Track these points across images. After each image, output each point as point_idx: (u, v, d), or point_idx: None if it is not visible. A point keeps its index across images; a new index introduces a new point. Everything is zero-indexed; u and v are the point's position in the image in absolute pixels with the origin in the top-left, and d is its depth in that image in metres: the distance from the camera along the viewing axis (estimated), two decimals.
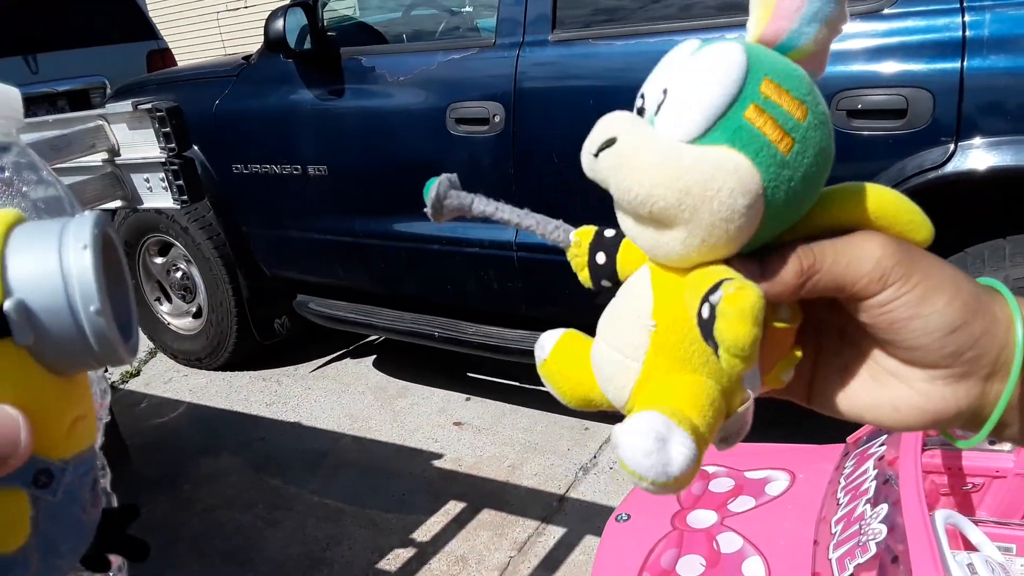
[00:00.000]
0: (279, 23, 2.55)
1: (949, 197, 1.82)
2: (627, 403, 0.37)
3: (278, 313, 3.32)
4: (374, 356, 3.53)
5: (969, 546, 1.48)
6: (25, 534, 0.32)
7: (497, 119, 2.31)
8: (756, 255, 0.36)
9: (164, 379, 3.56)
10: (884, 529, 1.31)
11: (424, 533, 2.36)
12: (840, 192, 0.37)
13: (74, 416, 0.33)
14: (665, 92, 0.35)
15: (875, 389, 0.38)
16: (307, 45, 2.63)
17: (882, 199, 0.37)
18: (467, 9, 3.10)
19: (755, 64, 0.34)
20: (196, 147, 2.98)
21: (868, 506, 1.41)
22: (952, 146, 1.72)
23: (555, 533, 2.30)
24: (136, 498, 2.66)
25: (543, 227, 0.45)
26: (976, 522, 1.74)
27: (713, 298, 0.32)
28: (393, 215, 2.65)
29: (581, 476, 2.55)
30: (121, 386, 3.55)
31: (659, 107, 0.35)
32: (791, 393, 0.40)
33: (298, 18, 2.58)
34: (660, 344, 0.36)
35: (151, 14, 6.54)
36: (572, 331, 0.44)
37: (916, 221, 0.37)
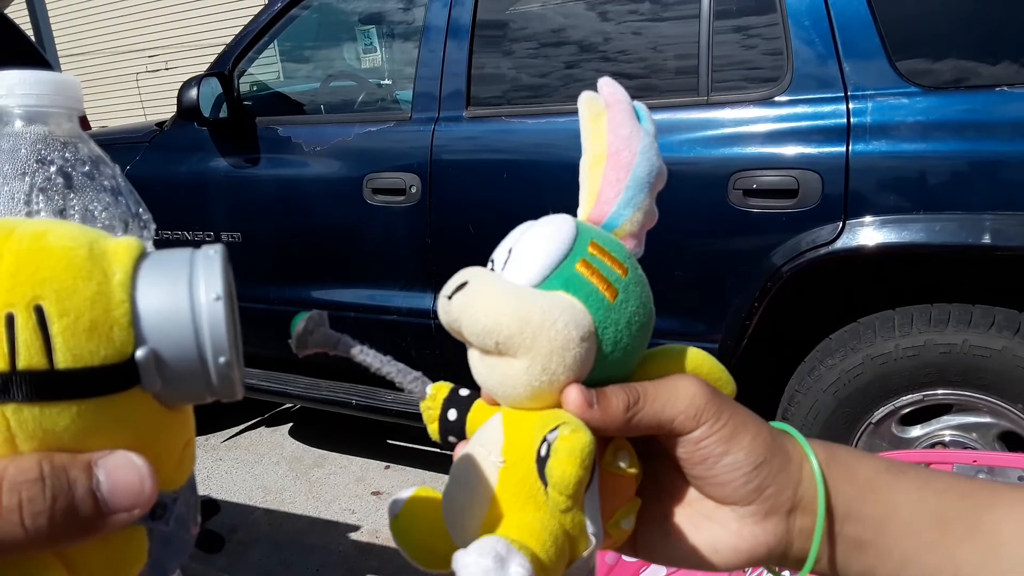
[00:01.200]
0: (192, 92, 2.54)
1: (840, 271, 1.93)
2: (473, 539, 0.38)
3: None
4: (290, 424, 3.45)
5: None
6: (140, 566, 0.31)
7: (414, 190, 2.34)
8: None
9: None
10: None
11: None
12: (664, 351, 0.44)
13: (183, 443, 0.32)
14: (510, 251, 0.40)
15: (694, 533, 0.41)
16: (222, 113, 2.63)
17: (697, 357, 0.43)
18: (386, 81, 3.15)
19: (583, 232, 0.40)
20: None
21: None
22: (841, 224, 1.83)
23: None
24: None
25: (402, 376, 0.48)
26: None
27: (550, 437, 0.35)
28: (309, 282, 2.64)
29: None
30: None
31: (505, 263, 0.40)
32: (616, 545, 0.42)
33: (212, 87, 2.58)
34: (507, 480, 0.38)
35: (65, 72, 6.41)
36: (424, 488, 0.46)
37: (723, 378, 0.44)
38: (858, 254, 1.82)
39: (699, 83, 1.99)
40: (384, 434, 3.21)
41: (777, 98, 1.91)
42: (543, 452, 0.35)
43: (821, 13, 1.87)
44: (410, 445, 3.15)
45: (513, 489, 0.37)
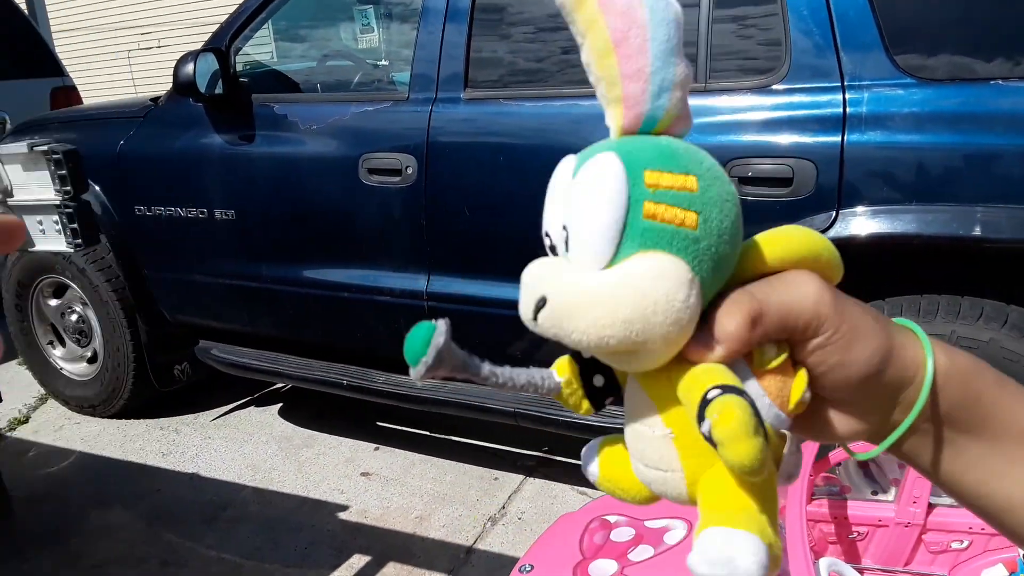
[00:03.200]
0: (189, 67, 2.53)
1: None
2: (690, 501, 0.38)
3: (179, 359, 3.22)
4: (280, 404, 3.45)
5: None
6: None
7: (410, 171, 2.34)
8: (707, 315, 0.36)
9: (55, 427, 3.39)
10: None
11: None
12: (776, 233, 0.39)
13: None
14: (565, 228, 0.36)
15: (805, 418, 0.40)
16: (218, 90, 2.61)
17: (813, 241, 0.39)
18: (383, 62, 3.14)
19: (631, 164, 0.34)
20: (97, 187, 2.90)
21: None
22: (834, 213, 1.84)
23: None
24: (18, 554, 2.51)
25: (533, 381, 0.42)
26: (861, 570, 1.83)
27: (704, 428, 0.33)
28: (302, 261, 2.64)
29: (489, 527, 2.54)
30: (8, 433, 3.35)
31: (566, 243, 0.36)
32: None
33: (209, 63, 2.56)
34: (685, 446, 0.37)
35: (58, 50, 6.35)
36: (606, 444, 0.44)
37: (834, 262, 0.40)
38: (850, 244, 1.84)
39: (697, 70, 1.99)
40: (374, 415, 3.22)
41: (774, 87, 1.92)
42: (705, 432, 0.33)
43: (820, 4, 1.88)
44: (400, 427, 3.16)
45: (696, 451, 0.37)
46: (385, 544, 2.48)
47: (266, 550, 2.49)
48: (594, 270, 0.34)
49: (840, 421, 0.40)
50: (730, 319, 0.35)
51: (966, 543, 1.72)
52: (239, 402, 3.49)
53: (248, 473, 2.93)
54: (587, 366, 0.42)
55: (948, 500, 1.83)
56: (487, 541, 2.48)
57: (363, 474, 2.87)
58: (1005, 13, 1.85)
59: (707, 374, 0.34)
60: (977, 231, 1.75)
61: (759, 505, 0.34)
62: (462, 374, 0.38)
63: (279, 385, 3.56)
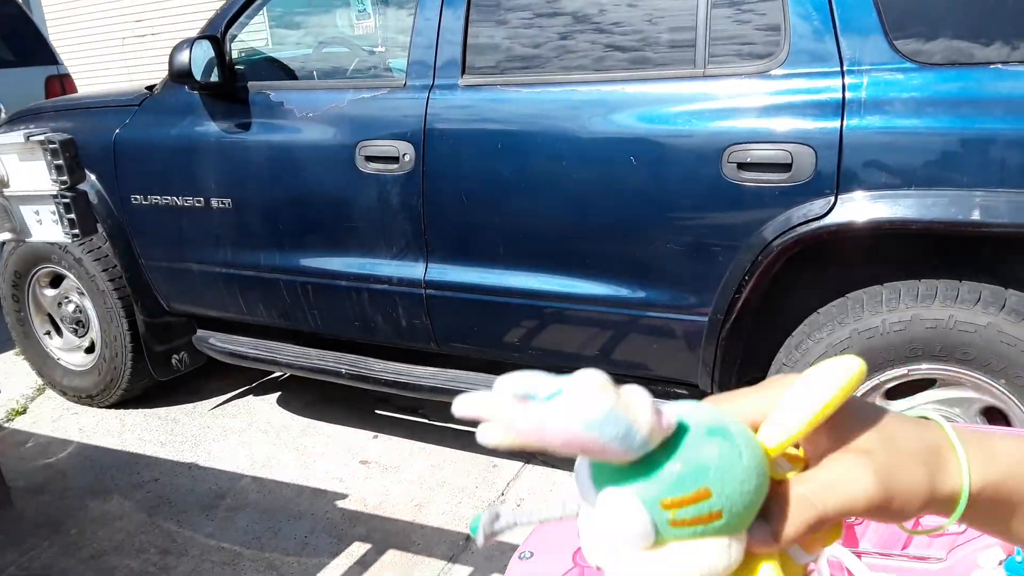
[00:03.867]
0: (184, 55, 2.51)
1: (831, 245, 1.94)
2: None
3: (176, 349, 3.21)
4: (278, 393, 3.45)
5: None
6: None
7: (407, 158, 2.34)
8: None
9: (52, 417, 3.38)
10: None
11: None
12: (813, 392, 0.40)
13: None
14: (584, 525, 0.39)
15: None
16: (214, 77, 2.60)
17: (843, 384, 0.40)
18: (379, 49, 3.12)
19: (647, 501, 0.37)
20: (93, 176, 2.89)
21: None
22: (833, 199, 1.84)
23: (461, 573, 2.30)
24: (18, 543, 2.51)
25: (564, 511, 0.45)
26: (858, 554, 1.84)
27: None
28: (300, 250, 2.63)
29: None
30: (6, 424, 3.35)
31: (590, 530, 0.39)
32: None
33: (204, 50, 2.55)
34: None
35: (51, 38, 6.31)
36: None
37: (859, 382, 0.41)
38: (849, 229, 1.84)
39: (695, 56, 1.98)
40: (372, 404, 3.22)
41: (773, 72, 1.91)
42: None
43: None
44: (398, 415, 3.17)
45: None
46: (384, 531, 2.49)
47: (266, 538, 2.49)
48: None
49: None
50: (792, 528, 0.38)
51: (963, 527, 1.72)
52: (237, 391, 3.49)
53: (247, 462, 2.93)
54: None
55: None
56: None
57: (362, 462, 2.88)
58: None
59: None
60: (976, 216, 1.75)
61: None
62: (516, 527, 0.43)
63: (277, 374, 3.56)
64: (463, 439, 2.95)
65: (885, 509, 0.40)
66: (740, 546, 0.38)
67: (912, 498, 0.40)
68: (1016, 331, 1.79)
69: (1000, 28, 1.80)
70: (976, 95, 1.78)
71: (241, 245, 2.73)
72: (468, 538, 2.44)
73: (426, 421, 3.11)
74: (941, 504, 0.41)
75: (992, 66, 1.76)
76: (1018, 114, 1.74)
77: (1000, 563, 1.70)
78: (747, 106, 1.94)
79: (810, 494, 0.39)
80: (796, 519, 0.39)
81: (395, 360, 2.66)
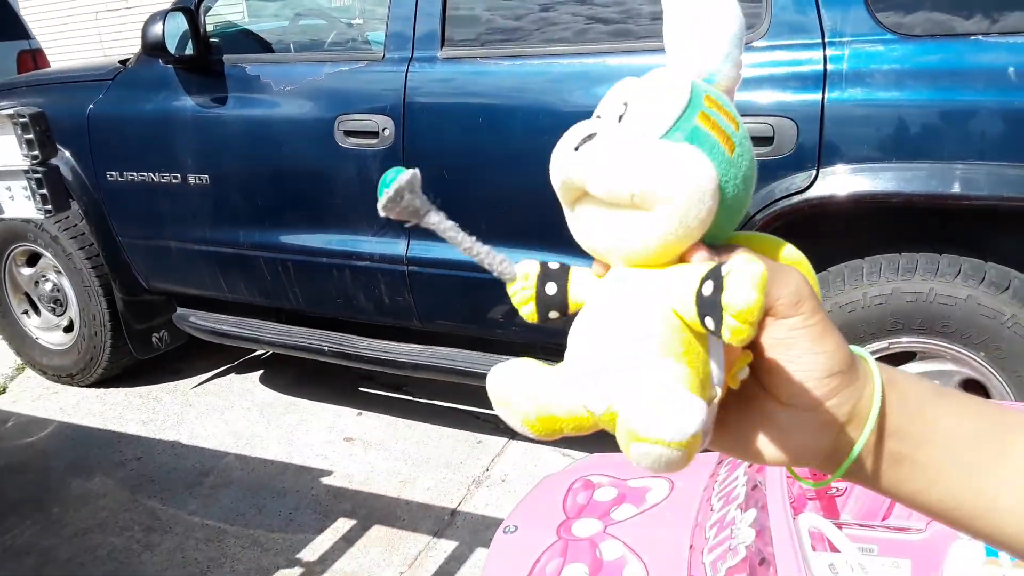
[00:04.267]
0: (158, 27, 2.46)
1: (814, 219, 1.94)
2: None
3: (156, 327, 3.19)
4: (261, 371, 3.43)
5: (834, 548, 1.58)
6: None
7: (387, 133, 2.31)
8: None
9: (32, 396, 3.35)
10: (752, 533, 1.39)
11: (311, 552, 2.32)
12: (761, 237, 0.44)
13: None
14: (626, 105, 0.39)
15: (745, 427, 0.41)
16: (188, 50, 2.55)
17: (796, 255, 0.44)
18: (357, 21, 3.07)
19: (696, 84, 0.39)
20: (68, 153, 2.84)
21: (739, 511, 1.49)
22: (815, 172, 1.84)
23: (446, 547, 2.31)
24: (0, 522, 2.50)
25: (490, 258, 0.45)
26: (840, 525, 1.86)
27: (723, 269, 0.35)
28: (279, 226, 2.60)
29: (473, 489, 2.56)
30: None
31: (621, 116, 0.39)
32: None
33: (178, 23, 2.50)
34: (684, 339, 0.38)
35: (23, 12, 6.16)
36: (519, 373, 0.43)
37: (815, 286, 0.42)
38: (830, 202, 1.84)
39: None
40: (356, 381, 3.21)
41: (755, 44, 1.89)
42: (707, 291, 0.35)
43: None
44: (382, 392, 3.16)
45: (665, 349, 0.37)
46: (369, 507, 2.49)
47: (250, 515, 2.49)
48: (647, 136, 0.38)
49: (793, 438, 0.40)
50: (783, 289, 0.38)
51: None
52: (220, 369, 3.47)
53: (230, 440, 2.92)
54: (548, 278, 0.44)
55: None
56: (471, 503, 2.49)
57: (346, 439, 2.88)
58: None
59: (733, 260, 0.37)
60: (956, 188, 1.75)
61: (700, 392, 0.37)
62: (417, 221, 0.43)
63: (260, 352, 3.54)
64: (448, 416, 2.96)
65: (811, 326, 0.38)
66: (711, 213, 0.38)
67: (836, 337, 0.39)
68: (995, 304, 1.80)
69: (980, 0, 1.79)
70: (956, 67, 1.78)
71: (219, 222, 2.70)
72: (453, 513, 2.45)
73: (410, 398, 3.11)
74: (850, 393, 0.39)
75: (972, 38, 1.76)
76: (998, 86, 1.73)
77: None
78: None
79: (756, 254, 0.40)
80: (788, 282, 0.38)
81: (378, 337, 2.65)
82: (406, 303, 2.47)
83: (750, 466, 1.62)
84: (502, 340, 2.47)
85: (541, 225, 2.20)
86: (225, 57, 2.59)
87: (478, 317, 2.43)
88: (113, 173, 2.82)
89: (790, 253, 0.44)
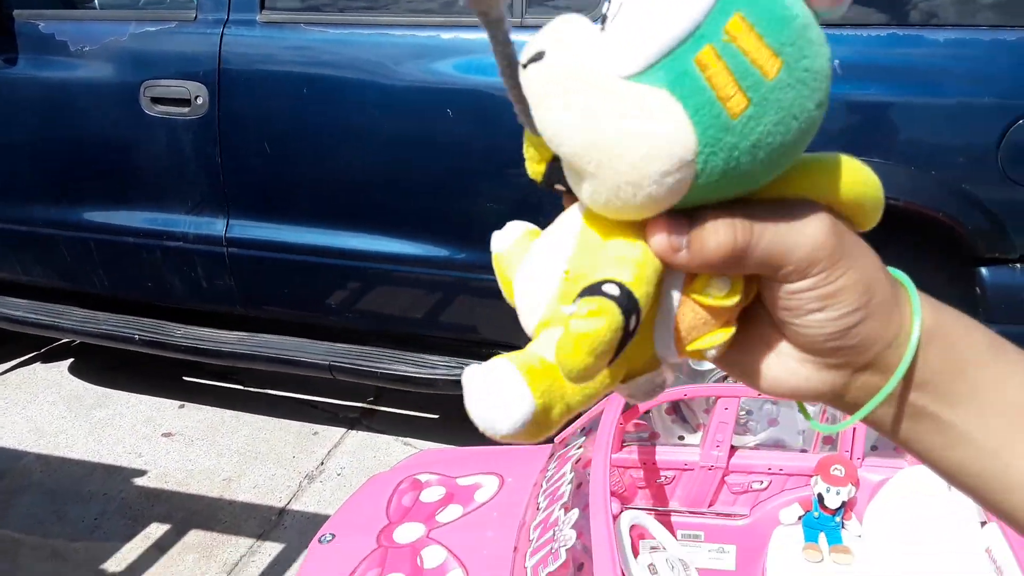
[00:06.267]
0: None
1: None
2: (530, 334, 0.35)
3: None
4: (70, 360, 3.11)
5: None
6: None
7: (200, 101, 2.09)
8: (692, 213, 0.31)
9: None
10: (574, 535, 1.33)
11: (118, 563, 2.10)
12: (807, 160, 0.33)
13: None
14: (621, 4, 0.29)
15: (748, 352, 0.36)
16: None
17: (850, 173, 0.33)
18: None
19: None
20: None
21: (562, 511, 1.43)
22: None
23: (271, 550, 2.16)
24: None
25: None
26: (668, 512, 1.86)
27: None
28: (80, 202, 2.32)
29: (306, 485, 2.41)
30: None
31: (614, 19, 0.29)
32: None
33: None
34: (565, 292, 0.33)
35: None
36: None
37: (874, 207, 0.34)
38: None
39: (513, 4, 1.86)
40: (179, 370, 2.96)
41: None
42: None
43: None
44: (208, 382, 2.93)
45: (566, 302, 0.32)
46: (187, 510, 2.30)
47: (49, 523, 2.24)
48: (610, 71, 0.29)
49: (798, 373, 0.35)
50: (713, 238, 0.31)
51: (765, 483, 1.78)
52: (23, 358, 3.12)
53: (31, 438, 2.62)
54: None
55: (748, 442, 1.88)
56: (302, 500, 2.35)
57: (165, 434, 2.64)
58: None
59: (632, 260, 0.31)
60: None
61: (566, 382, 0.31)
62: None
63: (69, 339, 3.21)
64: (280, 406, 2.78)
65: (820, 287, 0.32)
66: (680, 187, 0.29)
67: (851, 304, 0.32)
68: None
69: None
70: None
71: (10, 197, 2.39)
72: (281, 512, 2.29)
73: (240, 387, 2.90)
74: (874, 340, 0.33)
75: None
76: None
77: (799, 518, 1.77)
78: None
79: (755, 216, 0.32)
80: (721, 229, 0.31)
81: (198, 324, 2.43)
82: (226, 287, 2.28)
83: (577, 462, 1.57)
84: (333, 327, 2.32)
85: (372, 206, 2.06)
86: (15, 12, 2.27)
87: (307, 302, 2.27)
88: None
89: (843, 174, 0.33)
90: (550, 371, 0.31)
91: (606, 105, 0.28)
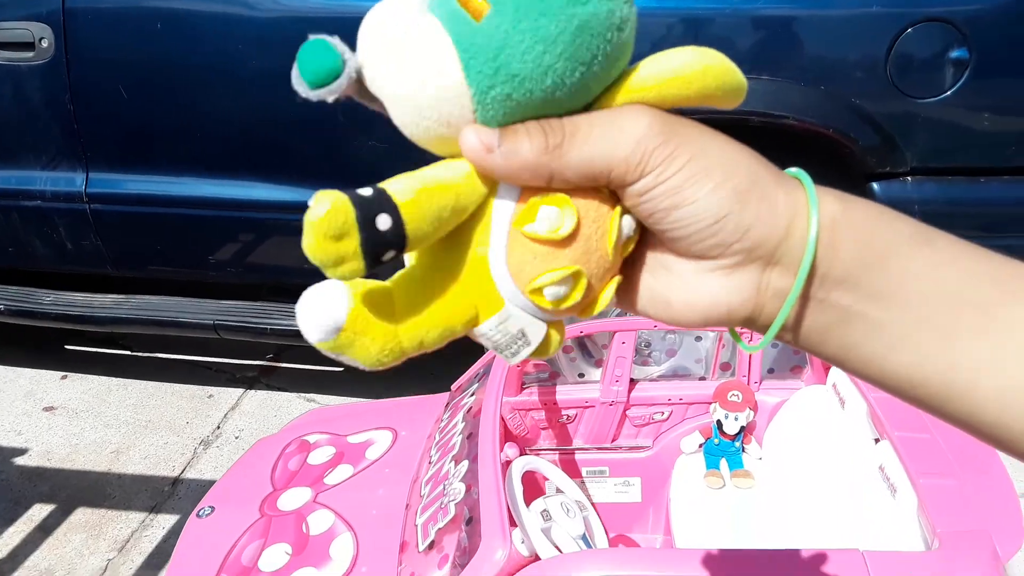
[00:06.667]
0: None
1: None
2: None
3: None
4: None
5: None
6: None
7: (45, 44, 1.88)
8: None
9: None
10: (463, 488, 1.27)
11: None
12: (647, 62, 0.33)
13: None
14: None
15: (651, 281, 0.35)
16: None
17: (690, 65, 0.33)
18: None
19: None
20: None
21: (453, 463, 1.36)
22: None
23: (166, 523, 2.04)
24: None
25: None
26: (573, 451, 1.82)
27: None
28: None
29: (201, 452, 2.29)
30: None
31: None
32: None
33: None
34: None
35: None
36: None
37: (733, 89, 0.34)
38: None
39: None
40: (61, 338, 2.77)
41: None
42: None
43: None
44: (93, 349, 2.75)
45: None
46: (73, 487, 2.15)
47: None
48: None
49: (704, 289, 0.33)
50: (527, 139, 0.30)
51: (666, 414, 1.75)
52: None
53: None
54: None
55: (652, 373, 1.84)
56: (198, 468, 2.23)
57: (46, 408, 2.47)
58: None
59: (421, 175, 0.31)
60: None
61: (416, 315, 0.32)
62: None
63: None
64: (172, 371, 2.63)
65: (665, 182, 0.31)
66: (464, 100, 0.30)
67: (711, 179, 0.31)
68: None
69: None
70: None
71: None
72: (175, 483, 2.17)
73: (128, 353, 2.73)
74: (767, 234, 0.32)
75: None
76: None
77: (700, 446, 1.75)
78: None
79: (566, 119, 0.31)
80: (532, 131, 0.30)
81: (69, 290, 2.25)
82: (93, 247, 2.10)
83: (468, 411, 1.50)
84: (216, 284, 2.18)
85: (247, 150, 1.91)
86: None
87: (185, 259, 2.12)
88: None
89: (681, 67, 0.32)
90: (382, 293, 0.32)
91: (392, 30, 0.30)
